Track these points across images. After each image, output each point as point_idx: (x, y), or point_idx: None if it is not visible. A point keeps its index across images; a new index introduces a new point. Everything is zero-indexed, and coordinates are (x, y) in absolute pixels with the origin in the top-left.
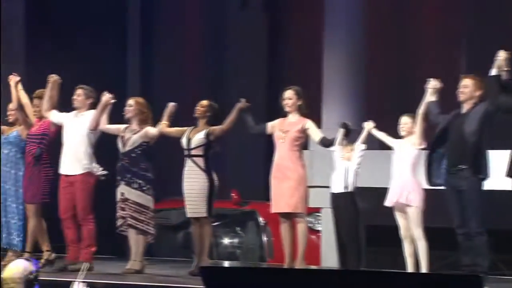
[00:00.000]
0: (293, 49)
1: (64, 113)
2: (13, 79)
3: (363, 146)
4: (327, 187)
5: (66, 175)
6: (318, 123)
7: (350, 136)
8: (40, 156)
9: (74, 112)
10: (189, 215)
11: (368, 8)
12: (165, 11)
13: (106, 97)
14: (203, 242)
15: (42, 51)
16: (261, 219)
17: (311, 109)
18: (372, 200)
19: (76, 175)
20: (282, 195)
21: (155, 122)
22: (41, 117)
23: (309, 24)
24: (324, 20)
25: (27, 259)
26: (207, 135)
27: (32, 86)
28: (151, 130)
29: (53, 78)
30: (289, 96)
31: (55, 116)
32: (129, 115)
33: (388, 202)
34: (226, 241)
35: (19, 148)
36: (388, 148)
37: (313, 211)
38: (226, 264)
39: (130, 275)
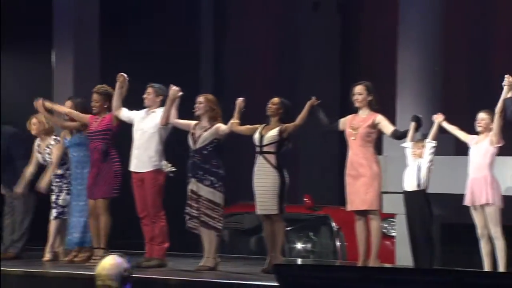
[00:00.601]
0: (367, 47)
1: (134, 111)
2: (38, 105)
3: (434, 143)
4: (402, 193)
5: (136, 172)
6: (393, 123)
7: (424, 131)
8: (107, 152)
9: (144, 110)
10: (259, 212)
11: (444, 4)
12: (238, 10)
13: (174, 90)
14: (275, 240)
15: (114, 50)
16: (334, 224)
17: (386, 108)
18: (448, 204)
19: (145, 172)
20: (357, 192)
21: (226, 119)
22: (99, 113)
23: (382, 22)
24: (398, 18)
25: (121, 256)
26: (280, 132)
27: (106, 82)
28: (222, 127)
29: (122, 76)
30: (359, 91)
31: (125, 114)
32: (199, 112)
33: (466, 201)
34: (299, 246)
35: (84, 148)
36: (464, 153)
37: (387, 217)
38: (299, 261)
39: (203, 272)
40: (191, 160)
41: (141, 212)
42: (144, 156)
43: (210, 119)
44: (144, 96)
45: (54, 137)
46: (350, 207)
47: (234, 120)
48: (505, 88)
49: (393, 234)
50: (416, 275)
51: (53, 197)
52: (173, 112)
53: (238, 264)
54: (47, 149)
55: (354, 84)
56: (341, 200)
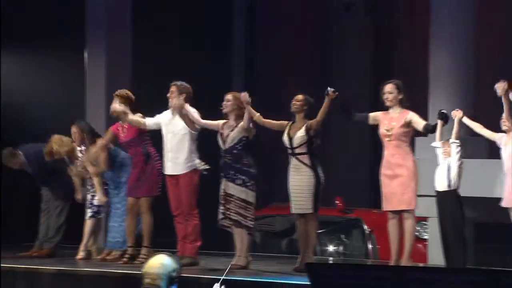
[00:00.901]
0: (399, 48)
1: (158, 116)
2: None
3: (458, 142)
4: (435, 196)
5: (171, 175)
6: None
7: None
8: (148, 153)
9: (169, 110)
10: (294, 211)
11: (476, 4)
12: (270, 10)
13: (244, 95)
14: (308, 239)
15: (146, 50)
16: (366, 227)
17: (419, 108)
18: (481, 206)
19: (180, 174)
20: (394, 192)
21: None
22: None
23: (414, 22)
24: (430, 18)
25: (169, 255)
26: (307, 130)
27: (137, 83)
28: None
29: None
30: (389, 90)
31: (151, 124)
32: (226, 110)
33: (504, 203)
34: (330, 248)
35: (119, 157)
36: (497, 156)
37: (420, 220)
38: (331, 260)
39: (235, 271)
40: (223, 160)
41: (175, 210)
42: (179, 158)
43: (237, 117)
44: (168, 95)
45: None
46: (387, 207)
47: (257, 114)
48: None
49: (426, 237)
50: (449, 274)
51: (89, 197)
52: (196, 115)
53: (269, 263)
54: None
55: (384, 82)
56: (373, 202)
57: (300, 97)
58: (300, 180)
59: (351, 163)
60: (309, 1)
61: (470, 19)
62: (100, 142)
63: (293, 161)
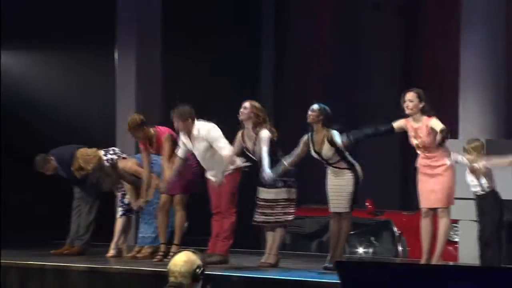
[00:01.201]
0: (429, 49)
1: (180, 143)
2: None
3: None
4: (466, 198)
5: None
6: (456, 123)
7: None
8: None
9: (181, 134)
10: (332, 210)
11: (507, 5)
12: (299, 10)
13: (227, 157)
14: (340, 237)
15: (176, 53)
16: (396, 229)
17: (448, 110)
18: None
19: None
20: (432, 190)
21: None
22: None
23: (444, 23)
24: (461, 20)
25: (194, 253)
26: (330, 143)
27: (169, 83)
28: (263, 134)
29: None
30: (410, 98)
31: (182, 152)
32: (242, 117)
33: None
34: (360, 250)
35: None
36: None
37: (451, 222)
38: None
39: (265, 269)
40: (260, 169)
41: (214, 209)
42: (217, 172)
43: (254, 125)
44: (174, 123)
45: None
46: (424, 204)
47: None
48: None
49: (456, 239)
50: (481, 273)
51: (120, 195)
52: (226, 151)
53: (299, 261)
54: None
55: (405, 90)
56: (403, 204)
57: (315, 107)
58: (339, 181)
59: (381, 165)
60: (339, 0)
61: (500, 21)
62: (165, 157)
63: (331, 169)
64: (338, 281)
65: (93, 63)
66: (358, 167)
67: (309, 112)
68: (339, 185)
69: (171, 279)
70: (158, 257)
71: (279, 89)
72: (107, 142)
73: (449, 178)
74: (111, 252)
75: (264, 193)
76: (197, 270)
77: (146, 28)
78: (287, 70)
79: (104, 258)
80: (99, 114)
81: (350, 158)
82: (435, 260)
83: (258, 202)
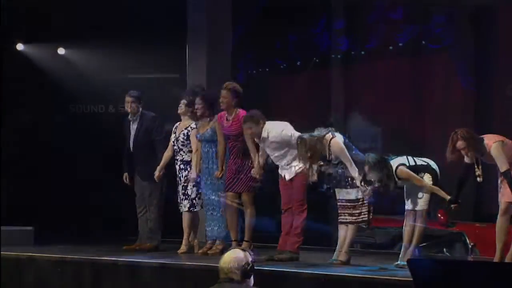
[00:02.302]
0: (501, 50)
1: None
2: None
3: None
4: None
5: (285, 178)
6: None
7: None
8: (245, 150)
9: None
10: (408, 207)
11: None
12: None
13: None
14: (413, 235)
15: (246, 44)
16: (468, 241)
17: None
18: None
19: (292, 177)
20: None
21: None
22: (227, 109)
23: None
24: None
25: (243, 249)
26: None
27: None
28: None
29: None
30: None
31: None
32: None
33: None
34: None
35: (214, 144)
36: None
37: None
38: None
39: (335, 266)
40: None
41: (284, 206)
42: (290, 167)
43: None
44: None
45: (194, 122)
46: (506, 198)
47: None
48: None
49: None
50: None
51: (182, 188)
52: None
53: (370, 259)
54: (184, 131)
55: (456, 130)
56: (476, 216)
57: None
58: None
59: (453, 176)
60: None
61: None
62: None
63: None
64: (411, 279)
65: (164, 56)
66: (435, 166)
67: None
68: (416, 186)
69: (222, 275)
70: None
71: (348, 94)
72: None
73: None
74: (183, 248)
75: (344, 194)
76: (246, 266)
77: (217, 18)
78: (354, 75)
79: (175, 254)
80: (168, 107)
81: (422, 165)
82: (508, 258)
83: (340, 204)
